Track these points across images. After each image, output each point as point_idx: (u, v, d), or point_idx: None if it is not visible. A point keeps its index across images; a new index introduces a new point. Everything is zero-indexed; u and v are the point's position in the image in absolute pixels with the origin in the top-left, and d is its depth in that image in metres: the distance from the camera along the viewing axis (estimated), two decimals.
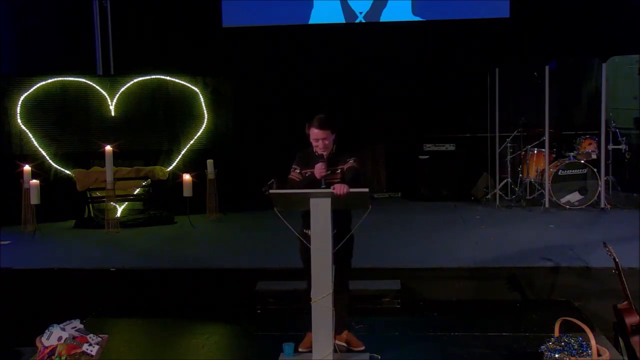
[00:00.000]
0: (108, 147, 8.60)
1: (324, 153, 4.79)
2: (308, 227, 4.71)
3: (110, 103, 9.71)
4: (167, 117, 9.90)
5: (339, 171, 4.81)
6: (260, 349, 5.19)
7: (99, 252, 7.50)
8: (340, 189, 4.51)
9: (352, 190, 4.54)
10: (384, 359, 4.82)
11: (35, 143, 9.43)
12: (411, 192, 10.76)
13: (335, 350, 4.61)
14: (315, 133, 4.79)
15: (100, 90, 9.67)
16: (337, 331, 4.90)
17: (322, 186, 4.64)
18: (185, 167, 9.69)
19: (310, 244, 4.62)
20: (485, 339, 5.15)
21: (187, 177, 8.92)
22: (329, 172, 4.74)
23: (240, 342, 5.50)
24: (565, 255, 6.57)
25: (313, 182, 4.73)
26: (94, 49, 10.80)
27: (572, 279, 6.17)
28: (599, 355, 4.38)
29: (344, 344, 4.96)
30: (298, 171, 4.86)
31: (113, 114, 9.72)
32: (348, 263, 4.94)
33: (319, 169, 4.70)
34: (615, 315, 5.26)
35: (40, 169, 9.14)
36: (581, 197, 9.22)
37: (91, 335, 4.68)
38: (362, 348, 4.98)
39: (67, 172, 9.43)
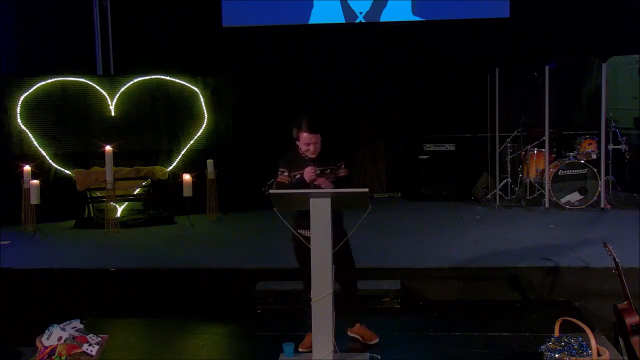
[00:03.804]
0: (108, 147, 8.60)
1: (313, 156, 4.81)
2: (302, 227, 4.72)
3: (110, 103, 9.71)
4: (167, 117, 9.90)
5: (328, 171, 4.83)
6: (260, 349, 5.19)
7: (99, 252, 7.50)
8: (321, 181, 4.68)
9: (352, 190, 4.58)
10: (384, 359, 4.82)
11: (35, 143, 9.44)
12: (411, 192, 10.76)
13: (335, 350, 4.61)
14: (307, 137, 4.77)
15: (100, 90, 9.68)
16: (350, 324, 5.09)
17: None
18: (185, 167, 9.69)
19: (304, 244, 4.64)
20: (485, 339, 5.15)
21: (187, 177, 8.92)
22: (318, 172, 4.76)
23: (240, 342, 5.50)
24: (565, 255, 6.57)
25: (302, 185, 4.74)
26: (94, 49, 10.81)
27: (572, 279, 6.16)
28: (599, 355, 4.38)
29: (359, 337, 5.09)
30: (286, 174, 4.86)
31: (113, 114, 9.73)
32: (350, 258, 5.00)
33: (309, 173, 4.73)
34: (615, 315, 5.25)
35: (40, 169, 9.14)
36: (581, 197, 9.22)
37: (91, 335, 4.68)
38: (377, 340, 5.08)
39: (67, 172, 9.43)
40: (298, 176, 4.80)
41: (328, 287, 4.51)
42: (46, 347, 4.56)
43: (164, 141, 9.89)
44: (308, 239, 4.61)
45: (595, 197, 9.18)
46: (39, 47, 10.39)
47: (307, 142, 4.78)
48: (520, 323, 5.51)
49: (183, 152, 9.89)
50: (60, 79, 9.57)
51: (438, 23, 10.76)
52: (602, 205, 9.08)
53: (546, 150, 9.33)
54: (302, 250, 4.69)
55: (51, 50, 10.45)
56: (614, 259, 5.26)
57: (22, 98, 9.39)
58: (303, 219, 4.70)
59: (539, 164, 9.53)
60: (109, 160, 8.56)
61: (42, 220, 8.61)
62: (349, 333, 5.17)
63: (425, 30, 10.80)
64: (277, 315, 5.91)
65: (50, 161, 9.48)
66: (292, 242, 4.92)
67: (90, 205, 9.19)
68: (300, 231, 4.75)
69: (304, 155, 4.84)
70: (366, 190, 4.55)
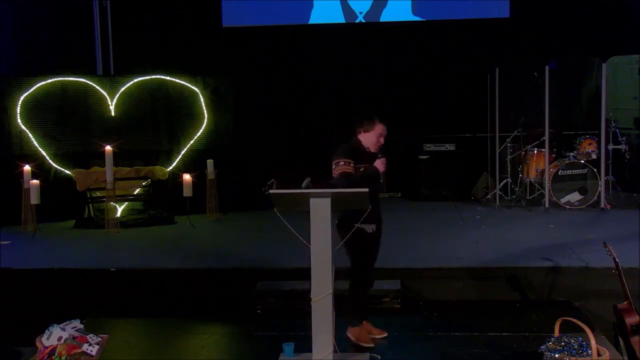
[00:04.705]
0: (108, 147, 8.60)
1: (376, 150, 4.96)
2: (364, 221, 4.81)
3: (110, 103, 9.71)
4: (167, 117, 9.91)
5: None
6: (260, 349, 5.19)
7: (99, 252, 7.50)
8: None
9: (352, 190, 4.61)
10: (384, 359, 4.83)
11: (35, 143, 9.44)
12: (411, 192, 10.76)
13: (335, 350, 4.61)
14: (383, 128, 4.96)
15: (100, 90, 9.68)
16: (354, 324, 5.09)
17: (380, 181, 4.83)
18: (185, 167, 9.69)
19: (364, 237, 4.83)
20: (485, 339, 5.15)
21: (187, 177, 8.92)
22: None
23: (240, 342, 5.50)
24: (565, 255, 6.57)
25: (372, 177, 4.84)
26: (94, 49, 10.82)
27: (572, 279, 6.16)
28: (599, 355, 4.38)
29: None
30: (352, 165, 4.85)
31: (113, 114, 9.73)
32: (375, 258, 5.14)
33: (383, 164, 4.87)
34: (615, 315, 5.25)
35: (40, 169, 9.15)
36: (581, 197, 9.22)
37: (91, 335, 4.68)
38: (385, 334, 5.17)
39: (67, 172, 9.44)
40: (362, 169, 4.85)
41: (328, 287, 4.51)
42: (46, 347, 4.56)
43: (164, 141, 9.89)
44: (365, 232, 4.83)
45: (595, 197, 9.17)
46: (39, 47, 10.40)
47: (382, 132, 4.95)
48: (520, 323, 5.51)
49: (183, 152, 9.89)
50: (60, 79, 9.58)
51: (438, 23, 10.76)
52: (602, 205, 9.08)
53: (546, 150, 9.33)
54: (365, 244, 4.86)
55: (51, 50, 10.46)
56: (614, 259, 5.26)
57: (22, 98, 9.40)
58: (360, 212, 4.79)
59: (539, 164, 9.53)
60: (109, 160, 8.56)
61: (42, 220, 8.62)
62: (348, 334, 5.16)
63: (425, 30, 10.80)
64: (277, 315, 5.91)
65: (50, 161, 9.48)
66: (348, 236, 4.89)
67: (90, 205, 9.19)
68: (361, 225, 4.83)
69: (367, 148, 4.94)
70: (366, 190, 4.54)
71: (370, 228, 4.94)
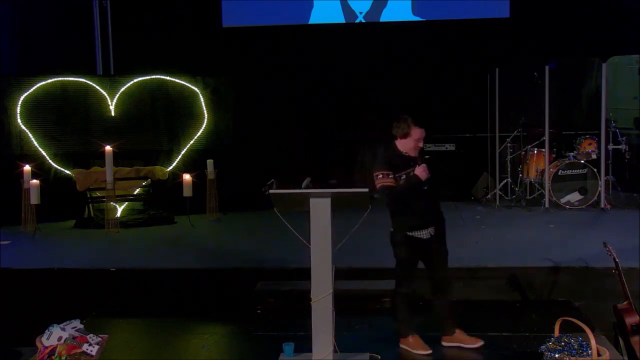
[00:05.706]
0: (108, 147, 8.60)
1: (415, 155, 4.86)
2: (413, 228, 4.76)
3: (110, 103, 9.71)
4: (167, 117, 9.91)
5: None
6: (260, 349, 5.19)
7: (99, 252, 7.50)
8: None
9: (352, 190, 4.60)
10: (384, 359, 4.82)
11: (35, 143, 9.44)
12: None
13: (335, 350, 4.61)
14: (421, 132, 4.83)
15: (100, 90, 9.68)
16: (449, 332, 4.97)
17: (425, 187, 4.77)
18: (185, 167, 9.70)
19: (416, 245, 4.72)
20: (485, 339, 5.14)
21: (187, 177, 8.93)
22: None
23: (240, 342, 5.50)
24: (565, 255, 6.57)
25: (416, 185, 4.77)
26: (94, 49, 10.82)
27: (572, 279, 6.17)
28: (599, 355, 4.38)
29: (460, 344, 4.95)
30: (392, 176, 4.77)
31: (113, 114, 9.73)
32: (446, 267, 5.01)
33: (425, 171, 4.80)
34: (615, 315, 5.26)
35: (40, 169, 9.16)
36: (581, 197, 9.22)
37: (91, 335, 4.68)
38: (481, 343, 4.94)
39: (67, 172, 9.44)
40: (404, 177, 4.78)
41: (328, 287, 4.51)
42: (46, 347, 4.56)
43: (164, 141, 9.90)
44: (419, 240, 4.75)
45: (595, 197, 9.18)
46: (39, 47, 10.40)
47: (420, 136, 4.84)
48: (520, 323, 5.51)
49: (183, 152, 9.90)
50: (60, 79, 9.58)
51: (438, 23, 10.76)
52: (602, 205, 9.08)
53: (546, 150, 9.33)
54: (413, 252, 4.78)
55: (51, 50, 10.45)
56: (614, 259, 5.26)
57: (22, 98, 9.40)
58: (414, 220, 4.76)
59: (539, 164, 9.53)
60: (109, 160, 8.56)
61: (42, 220, 8.62)
62: (444, 343, 5.00)
63: (425, 30, 10.79)
64: (277, 315, 5.92)
65: (50, 161, 9.48)
66: (397, 243, 4.84)
67: (90, 205, 9.19)
68: (412, 233, 4.78)
69: (405, 154, 4.84)
70: (366, 190, 4.55)
71: (425, 234, 4.80)
